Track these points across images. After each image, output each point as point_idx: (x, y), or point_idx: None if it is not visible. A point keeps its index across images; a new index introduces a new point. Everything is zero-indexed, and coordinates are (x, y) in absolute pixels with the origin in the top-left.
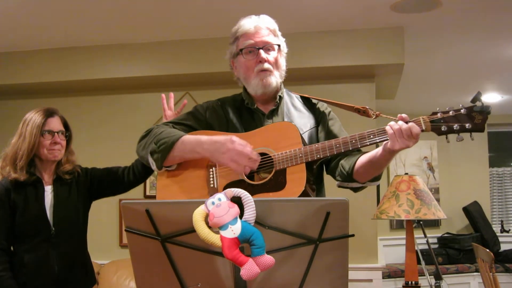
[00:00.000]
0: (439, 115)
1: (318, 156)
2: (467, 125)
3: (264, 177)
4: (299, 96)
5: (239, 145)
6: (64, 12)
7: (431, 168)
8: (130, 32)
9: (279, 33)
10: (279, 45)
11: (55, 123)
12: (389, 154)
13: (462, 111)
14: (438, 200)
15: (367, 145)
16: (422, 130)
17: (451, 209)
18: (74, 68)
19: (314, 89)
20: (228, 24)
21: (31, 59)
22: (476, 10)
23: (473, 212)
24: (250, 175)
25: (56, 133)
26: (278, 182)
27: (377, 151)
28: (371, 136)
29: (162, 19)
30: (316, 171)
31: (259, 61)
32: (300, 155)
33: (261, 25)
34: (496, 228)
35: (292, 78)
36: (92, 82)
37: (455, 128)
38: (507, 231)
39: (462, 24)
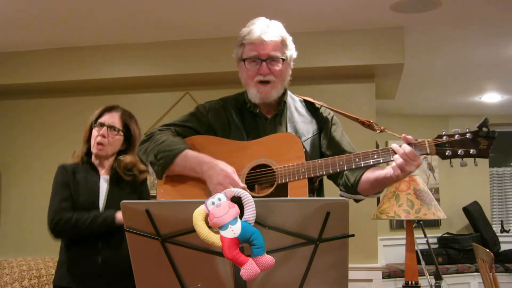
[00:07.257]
0: (444, 138)
1: (321, 173)
2: (472, 151)
3: (265, 188)
4: (302, 100)
5: (232, 182)
6: (63, 12)
7: (431, 168)
8: (130, 32)
9: (288, 42)
10: (283, 59)
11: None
12: (397, 178)
13: (467, 135)
14: (438, 200)
15: (370, 165)
16: (427, 154)
17: (451, 209)
18: (73, 68)
19: (314, 89)
20: (228, 25)
21: (31, 59)
22: (476, 10)
23: (473, 212)
24: (251, 187)
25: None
26: (279, 196)
27: (386, 172)
28: (375, 156)
29: (162, 19)
30: (318, 183)
31: (259, 73)
32: (303, 170)
33: (267, 37)
34: (496, 228)
35: (292, 78)
36: (91, 82)
37: (459, 153)
38: (507, 231)
39: (462, 24)
